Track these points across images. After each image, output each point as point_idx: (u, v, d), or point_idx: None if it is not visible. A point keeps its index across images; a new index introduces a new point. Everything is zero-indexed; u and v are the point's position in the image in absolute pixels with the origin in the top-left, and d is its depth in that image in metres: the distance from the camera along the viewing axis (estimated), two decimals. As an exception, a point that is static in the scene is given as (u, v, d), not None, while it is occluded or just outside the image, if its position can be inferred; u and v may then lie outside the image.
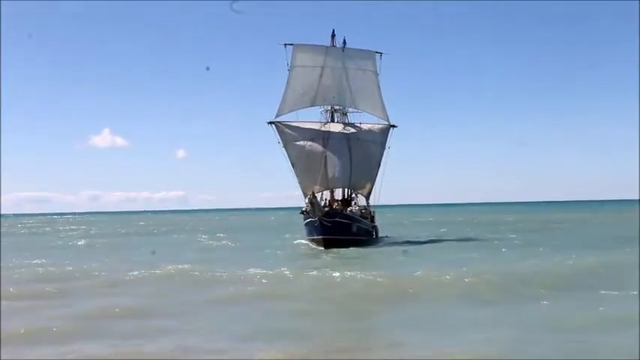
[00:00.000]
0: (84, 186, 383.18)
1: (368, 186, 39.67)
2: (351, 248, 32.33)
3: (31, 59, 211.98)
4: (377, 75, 40.24)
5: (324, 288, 18.91)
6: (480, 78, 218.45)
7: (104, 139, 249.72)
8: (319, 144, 38.34)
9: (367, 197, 40.23)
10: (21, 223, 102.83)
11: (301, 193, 38.76)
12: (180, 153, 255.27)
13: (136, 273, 22.14)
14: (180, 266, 23.82)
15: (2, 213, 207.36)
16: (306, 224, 36.98)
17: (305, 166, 38.11)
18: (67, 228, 76.82)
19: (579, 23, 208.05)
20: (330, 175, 37.68)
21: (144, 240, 48.04)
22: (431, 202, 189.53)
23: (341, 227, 34.65)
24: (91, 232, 65.26)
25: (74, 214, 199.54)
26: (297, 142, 38.50)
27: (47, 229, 77.35)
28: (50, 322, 13.54)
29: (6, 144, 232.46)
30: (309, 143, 38.45)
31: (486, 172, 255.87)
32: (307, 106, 39.56)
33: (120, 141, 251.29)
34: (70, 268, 24.71)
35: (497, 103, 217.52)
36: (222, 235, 50.77)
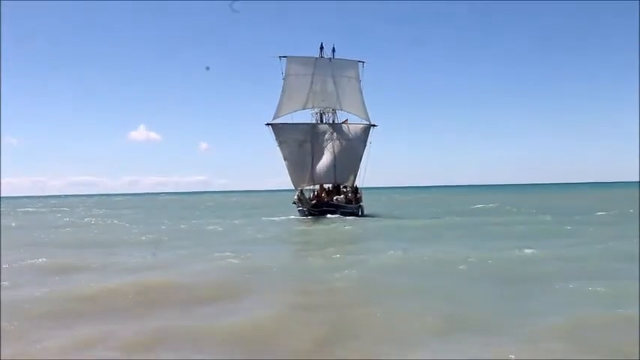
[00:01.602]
0: (125, 172, 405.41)
1: (351, 178, 42.64)
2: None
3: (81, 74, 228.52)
4: (359, 81, 43.34)
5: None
6: (458, 78, 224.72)
7: (140, 133, 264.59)
8: (308, 144, 41.79)
9: (351, 185, 42.74)
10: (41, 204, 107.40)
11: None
12: (203, 145, 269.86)
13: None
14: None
15: (57, 194, 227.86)
16: (299, 211, 40.72)
17: (295, 164, 41.50)
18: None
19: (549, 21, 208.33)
20: (316, 172, 41.26)
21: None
22: (412, 185, 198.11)
23: (327, 214, 38.47)
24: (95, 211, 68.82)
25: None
26: (290, 142, 41.88)
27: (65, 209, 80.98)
28: None
29: (62, 138, 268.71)
30: (300, 143, 41.84)
31: (465, 159, 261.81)
32: (300, 110, 42.82)
33: (154, 135, 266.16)
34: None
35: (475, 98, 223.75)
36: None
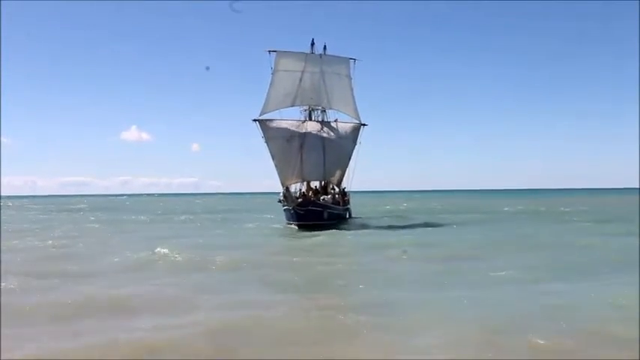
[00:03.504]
0: (116, 173, 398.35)
1: (338, 175, 39.41)
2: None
3: (74, 74, 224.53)
4: (350, 79, 40.01)
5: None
6: (446, 82, 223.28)
7: (132, 134, 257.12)
8: (297, 140, 38.13)
9: (338, 185, 40.02)
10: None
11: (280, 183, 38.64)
12: (195, 146, 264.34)
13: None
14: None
15: (51, 194, 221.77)
16: (284, 210, 37.21)
17: (283, 160, 37.87)
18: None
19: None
20: (305, 168, 37.57)
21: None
22: (400, 189, 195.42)
23: (313, 214, 34.78)
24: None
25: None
26: (277, 138, 38.28)
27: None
28: None
29: (54, 138, 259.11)
30: (288, 139, 38.23)
31: (450, 163, 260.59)
32: (288, 106, 39.26)
33: (145, 136, 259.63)
34: None
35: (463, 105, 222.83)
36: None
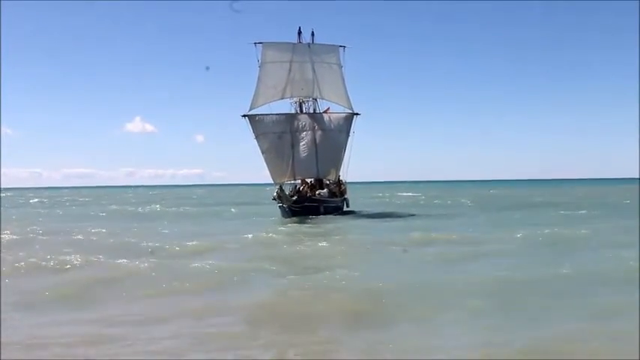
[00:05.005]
0: (121, 164, 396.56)
1: (334, 172, 37.41)
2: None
3: (77, 67, 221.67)
4: (341, 67, 37.78)
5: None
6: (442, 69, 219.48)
7: (136, 125, 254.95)
8: (288, 136, 36.21)
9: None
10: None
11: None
12: (199, 138, 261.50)
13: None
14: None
15: (56, 186, 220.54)
16: (280, 208, 35.48)
17: (275, 157, 35.98)
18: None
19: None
20: (297, 167, 35.68)
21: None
22: (395, 180, 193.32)
23: (309, 210, 33.31)
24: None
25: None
26: (268, 134, 36.38)
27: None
28: None
29: (58, 130, 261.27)
30: (279, 135, 36.32)
31: (442, 152, 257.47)
32: (278, 99, 37.31)
33: (149, 127, 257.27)
34: None
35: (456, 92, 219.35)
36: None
